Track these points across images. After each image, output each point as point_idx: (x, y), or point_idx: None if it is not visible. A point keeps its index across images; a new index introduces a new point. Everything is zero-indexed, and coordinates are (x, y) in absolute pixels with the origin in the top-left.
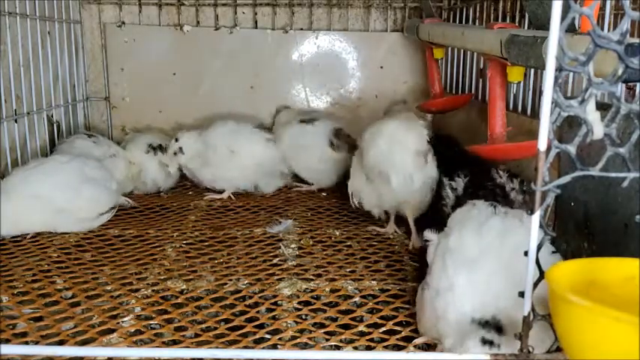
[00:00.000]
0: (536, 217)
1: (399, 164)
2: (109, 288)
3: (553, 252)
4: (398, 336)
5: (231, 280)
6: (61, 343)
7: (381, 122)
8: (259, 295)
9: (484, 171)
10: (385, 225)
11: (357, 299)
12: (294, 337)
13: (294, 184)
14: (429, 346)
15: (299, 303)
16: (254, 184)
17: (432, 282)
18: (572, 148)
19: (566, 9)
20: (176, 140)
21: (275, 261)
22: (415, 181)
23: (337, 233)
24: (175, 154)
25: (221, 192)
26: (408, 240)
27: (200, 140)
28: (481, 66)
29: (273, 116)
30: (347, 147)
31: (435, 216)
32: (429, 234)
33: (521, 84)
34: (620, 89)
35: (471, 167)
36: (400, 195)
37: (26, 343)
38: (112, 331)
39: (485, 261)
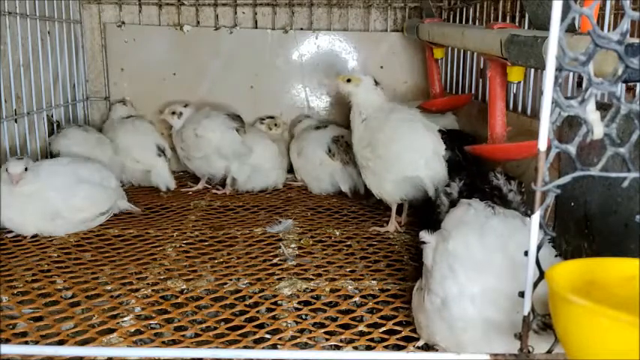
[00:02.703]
0: (536, 217)
1: (433, 171)
2: (108, 288)
3: (556, 255)
4: (398, 336)
5: (231, 279)
6: (61, 343)
7: (410, 131)
8: (259, 294)
9: (481, 173)
10: (385, 224)
11: (357, 299)
12: (294, 337)
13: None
14: (429, 346)
15: (299, 303)
16: (224, 170)
17: (436, 288)
18: (572, 148)
19: (566, 9)
20: (185, 106)
21: (275, 261)
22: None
23: (337, 233)
24: (174, 113)
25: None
26: (409, 238)
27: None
28: (481, 66)
29: (291, 124)
30: (344, 156)
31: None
32: (424, 235)
33: (521, 84)
34: (620, 89)
35: (467, 170)
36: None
37: (26, 343)
38: (111, 330)
39: (495, 265)
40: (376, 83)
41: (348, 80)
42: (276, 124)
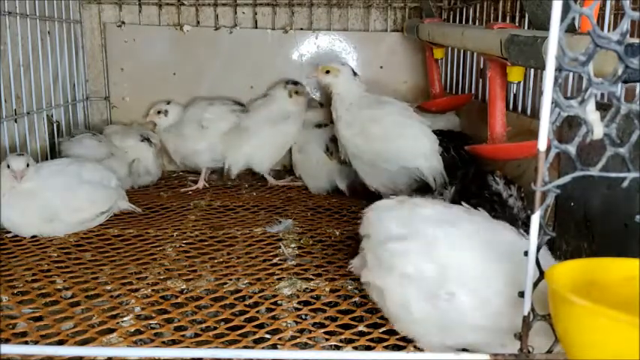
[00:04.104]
0: (536, 217)
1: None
2: (108, 288)
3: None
4: (398, 336)
5: (231, 279)
6: (60, 343)
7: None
8: (259, 294)
9: (477, 176)
10: None
11: (356, 299)
12: (293, 337)
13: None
14: None
15: (299, 303)
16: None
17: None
18: (572, 148)
19: (566, 9)
20: (167, 103)
21: (275, 261)
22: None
23: (337, 233)
24: (159, 112)
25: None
26: None
27: (181, 114)
28: (481, 66)
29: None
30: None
31: None
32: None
33: (521, 84)
34: (620, 89)
35: (461, 174)
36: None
37: (26, 343)
38: (111, 330)
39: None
40: (354, 73)
41: (327, 72)
42: (297, 92)
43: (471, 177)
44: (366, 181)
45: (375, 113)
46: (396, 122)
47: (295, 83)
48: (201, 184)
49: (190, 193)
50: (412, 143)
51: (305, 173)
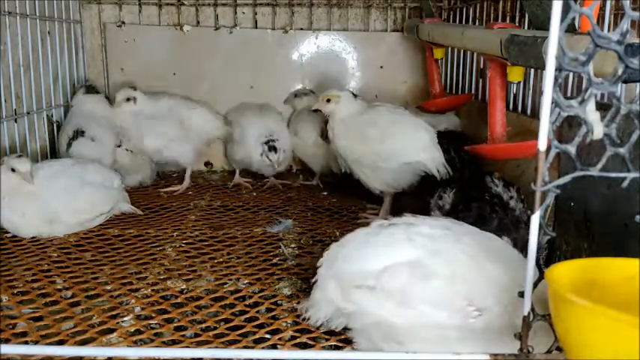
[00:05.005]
0: (536, 217)
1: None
2: (108, 288)
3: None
4: None
5: (231, 279)
6: (60, 343)
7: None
8: (259, 294)
9: (475, 178)
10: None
11: None
12: (293, 337)
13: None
14: None
15: (299, 303)
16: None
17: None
18: (572, 148)
19: (566, 9)
20: (134, 89)
21: (275, 261)
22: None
23: (337, 233)
24: (128, 100)
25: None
26: None
27: (150, 104)
28: (481, 66)
29: (289, 97)
30: None
31: None
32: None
33: (521, 84)
34: (620, 89)
35: (459, 176)
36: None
37: (26, 343)
38: (111, 330)
39: None
40: (354, 96)
41: (328, 100)
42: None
43: (468, 179)
44: (369, 184)
45: (370, 117)
46: (391, 121)
47: (273, 149)
48: (185, 184)
49: (190, 193)
50: (410, 138)
51: (304, 154)
